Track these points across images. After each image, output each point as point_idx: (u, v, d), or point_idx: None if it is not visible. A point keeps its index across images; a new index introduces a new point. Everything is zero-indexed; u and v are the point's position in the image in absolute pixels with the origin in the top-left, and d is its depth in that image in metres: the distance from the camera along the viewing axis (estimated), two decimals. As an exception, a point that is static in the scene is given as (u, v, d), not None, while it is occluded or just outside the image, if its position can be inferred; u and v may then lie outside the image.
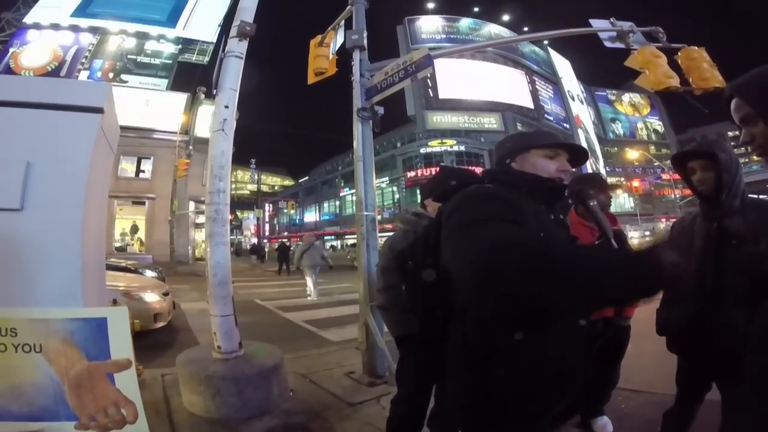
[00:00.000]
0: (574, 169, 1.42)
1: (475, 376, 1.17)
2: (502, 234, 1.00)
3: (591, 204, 1.38)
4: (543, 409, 1.17)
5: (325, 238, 60.24)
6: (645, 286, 0.90)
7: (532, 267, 0.88)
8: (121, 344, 1.46)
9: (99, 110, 2.08)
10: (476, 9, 59.91)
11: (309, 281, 11.27)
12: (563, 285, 0.87)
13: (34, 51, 23.32)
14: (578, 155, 1.44)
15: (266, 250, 33.75)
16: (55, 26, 24.04)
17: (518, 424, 1.16)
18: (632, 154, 47.74)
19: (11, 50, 23.08)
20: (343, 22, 5.20)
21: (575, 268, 0.89)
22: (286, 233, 73.64)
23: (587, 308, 0.95)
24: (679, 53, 5.87)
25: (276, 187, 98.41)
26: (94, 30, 24.62)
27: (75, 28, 24.25)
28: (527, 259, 0.89)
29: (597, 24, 6.36)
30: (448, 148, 45.20)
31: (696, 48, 5.84)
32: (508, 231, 1.03)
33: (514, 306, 0.92)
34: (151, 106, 23.51)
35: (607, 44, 6.27)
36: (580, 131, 52.37)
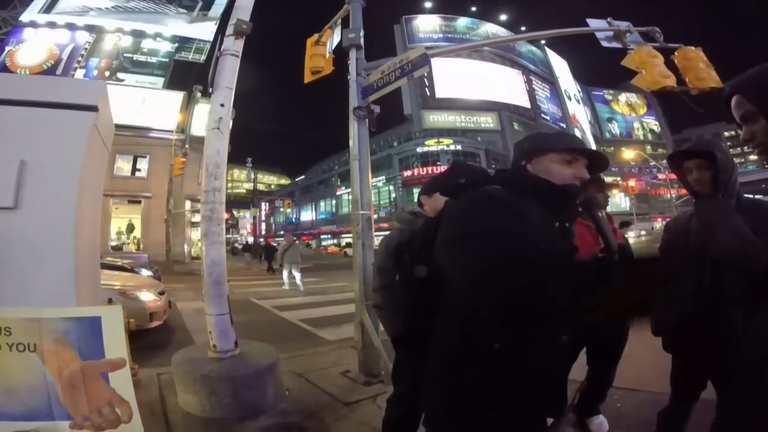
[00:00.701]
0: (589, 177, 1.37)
1: (455, 376, 1.17)
2: (493, 254, 1.05)
3: (599, 215, 1.36)
4: (519, 413, 1.16)
5: (322, 237, 60.47)
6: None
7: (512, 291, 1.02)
8: (115, 343, 1.45)
9: (93, 108, 2.06)
10: (473, 8, 60.04)
11: (285, 275, 13.01)
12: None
13: (30, 49, 23.27)
14: (597, 162, 1.40)
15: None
16: (52, 24, 23.96)
17: (496, 425, 1.16)
18: (628, 154, 47.92)
19: (7, 48, 23.02)
20: (339, 20, 5.18)
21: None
22: (282, 232, 73.62)
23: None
24: (675, 53, 5.88)
25: (272, 186, 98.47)
26: (90, 28, 24.56)
27: (71, 27, 24.17)
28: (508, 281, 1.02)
29: (594, 24, 6.37)
30: (445, 147, 45.30)
31: (693, 48, 5.84)
32: (500, 249, 1.06)
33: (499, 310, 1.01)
34: (147, 104, 23.48)
35: (604, 44, 6.28)
36: (576, 131, 52.46)
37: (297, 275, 12.65)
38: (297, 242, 14.01)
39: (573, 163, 1.32)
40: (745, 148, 1.10)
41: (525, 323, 1.10)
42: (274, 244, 25.35)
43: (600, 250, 2.45)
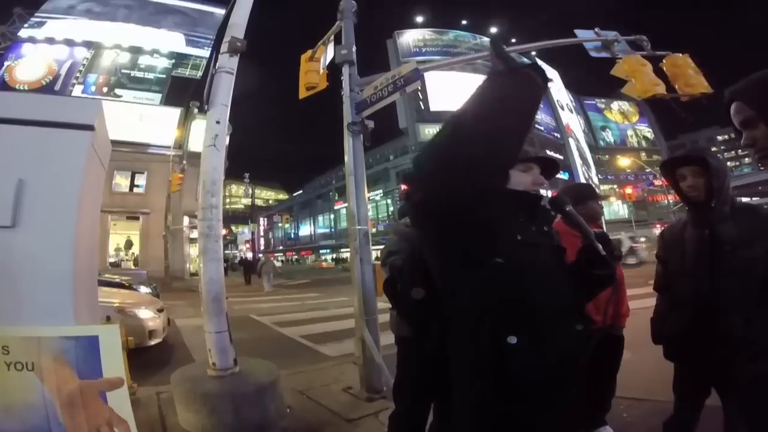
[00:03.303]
0: (547, 181, 1.47)
1: (474, 386, 1.15)
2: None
3: (567, 209, 1.40)
4: (544, 422, 1.15)
5: (321, 251, 60.65)
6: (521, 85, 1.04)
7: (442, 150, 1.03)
8: (113, 362, 1.44)
9: (90, 127, 2.08)
10: (464, 22, 60.76)
11: (265, 283, 18.97)
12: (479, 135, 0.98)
13: (29, 65, 23.41)
14: (550, 167, 1.48)
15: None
16: (50, 40, 24.15)
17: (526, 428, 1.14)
18: (624, 162, 48.19)
19: (6, 64, 23.12)
20: (332, 36, 5.24)
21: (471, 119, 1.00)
22: (281, 247, 73.79)
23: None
24: (664, 60, 5.95)
25: (270, 201, 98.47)
26: (88, 44, 24.77)
27: (70, 42, 24.39)
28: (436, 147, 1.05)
29: (582, 34, 6.46)
30: (441, 160, 45.42)
31: (680, 55, 5.92)
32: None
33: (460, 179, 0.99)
34: (145, 120, 23.54)
35: (593, 54, 6.37)
36: (571, 140, 52.87)
37: (270, 281, 19.12)
38: (272, 258, 23.65)
39: (528, 171, 1.41)
40: (740, 151, 1.11)
41: (533, 315, 1.12)
42: (258, 258, 29.61)
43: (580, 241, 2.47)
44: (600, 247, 1.35)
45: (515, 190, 1.36)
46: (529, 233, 1.27)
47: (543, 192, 1.44)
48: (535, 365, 1.10)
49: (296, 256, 71.10)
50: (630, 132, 65.03)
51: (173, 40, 27.22)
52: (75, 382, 1.39)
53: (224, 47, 3.81)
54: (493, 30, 61.47)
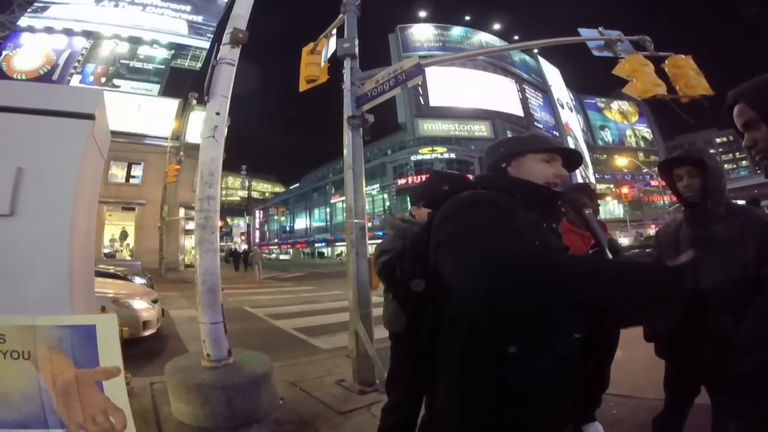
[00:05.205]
0: (569, 174, 1.40)
1: (467, 390, 1.13)
2: (504, 244, 0.96)
3: (586, 212, 1.37)
4: (536, 424, 1.13)
5: (316, 245, 60.80)
6: (665, 292, 0.89)
7: (539, 279, 0.85)
8: (109, 352, 1.45)
9: (90, 116, 2.07)
10: (467, 18, 60.69)
11: (256, 270, 22.06)
12: (573, 295, 0.84)
13: (27, 54, 23.27)
14: (572, 160, 1.41)
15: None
16: (49, 30, 23.96)
17: None
18: (621, 161, 48.27)
19: (4, 53, 22.97)
20: (335, 30, 5.22)
21: (586, 278, 0.86)
22: (276, 240, 73.83)
23: (600, 320, 0.93)
24: (666, 61, 5.97)
25: (267, 194, 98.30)
26: (87, 34, 24.58)
27: (69, 32, 24.20)
28: (534, 271, 0.86)
29: (585, 33, 6.46)
30: (439, 156, 45.45)
31: (683, 56, 5.94)
32: (510, 240, 0.99)
33: (516, 321, 0.91)
34: (142, 111, 23.51)
35: (596, 53, 6.38)
36: (569, 139, 52.91)
37: (261, 270, 21.93)
38: (259, 251, 28.36)
39: (551, 162, 1.33)
40: (737, 154, 1.11)
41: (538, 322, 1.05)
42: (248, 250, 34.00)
43: (590, 245, 2.47)
44: (610, 256, 1.32)
45: (536, 183, 1.28)
46: (542, 231, 1.23)
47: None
48: (532, 374, 1.08)
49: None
50: (629, 132, 65.14)
51: (176, 26, 27.09)
52: (71, 371, 1.40)
53: (226, 38, 3.79)
54: (497, 26, 61.41)
